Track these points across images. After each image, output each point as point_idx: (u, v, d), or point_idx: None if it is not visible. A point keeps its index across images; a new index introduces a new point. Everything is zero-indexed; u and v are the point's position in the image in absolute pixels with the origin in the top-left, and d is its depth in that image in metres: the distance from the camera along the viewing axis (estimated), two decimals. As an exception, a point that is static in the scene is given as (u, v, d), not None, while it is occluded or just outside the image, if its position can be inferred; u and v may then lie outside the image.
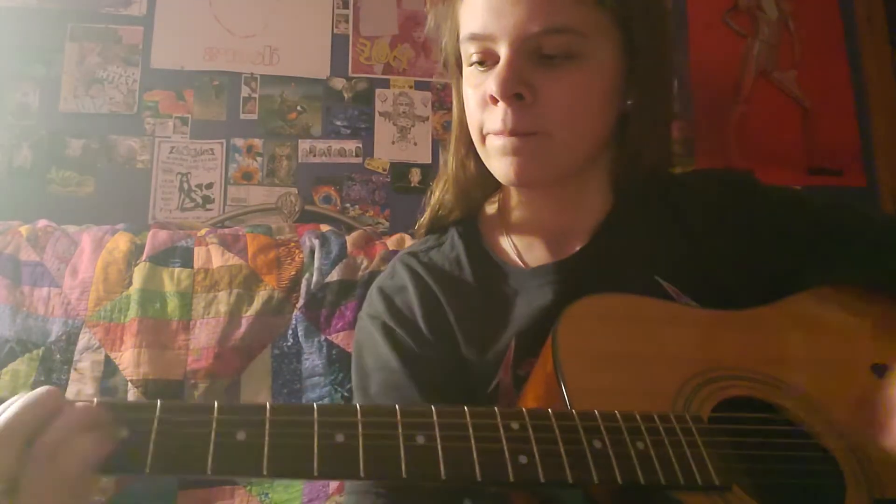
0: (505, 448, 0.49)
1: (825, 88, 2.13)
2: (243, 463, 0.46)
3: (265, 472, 0.45)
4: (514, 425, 0.51)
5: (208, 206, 1.84)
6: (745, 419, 0.58)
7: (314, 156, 1.93)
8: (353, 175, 1.94)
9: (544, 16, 0.66)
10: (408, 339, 0.75)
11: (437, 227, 0.86)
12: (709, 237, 0.76)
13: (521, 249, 0.79)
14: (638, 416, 0.54)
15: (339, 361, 1.28)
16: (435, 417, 0.50)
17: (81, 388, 1.21)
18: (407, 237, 1.50)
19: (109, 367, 1.24)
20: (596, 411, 0.53)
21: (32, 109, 1.82)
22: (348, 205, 1.92)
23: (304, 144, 1.93)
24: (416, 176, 1.96)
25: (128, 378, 1.23)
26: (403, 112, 1.99)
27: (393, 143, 1.97)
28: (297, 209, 1.83)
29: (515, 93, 0.67)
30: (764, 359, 0.64)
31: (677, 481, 0.51)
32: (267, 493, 1.19)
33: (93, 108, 1.85)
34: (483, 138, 0.72)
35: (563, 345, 0.60)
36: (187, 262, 1.35)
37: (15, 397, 0.45)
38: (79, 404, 0.45)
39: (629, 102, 0.73)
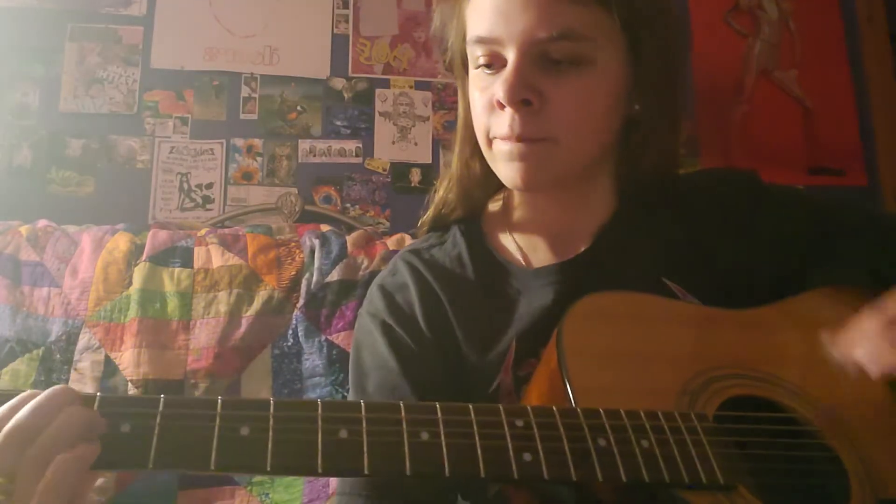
0: (509, 445, 0.49)
1: (826, 88, 2.13)
2: (247, 458, 0.46)
3: (269, 468, 0.45)
4: (519, 423, 0.51)
5: (208, 206, 1.84)
6: (750, 418, 0.58)
7: (314, 156, 1.93)
8: (353, 175, 1.93)
9: (552, 21, 0.65)
10: (407, 338, 0.74)
11: (440, 226, 0.86)
12: (714, 237, 0.76)
13: (524, 249, 0.79)
14: (643, 415, 0.53)
15: (339, 361, 1.28)
16: (439, 414, 0.50)
17: (81, 388, 1.21)
18: (407, 237, 1.50)
19: (109, 367, 1.24)
20: (601, 409, 0.53)
21: (32, 109, 1.82)
22: (348, 205, 1.91)
23: (304, 144, 1.93)
24: (416, 176, 1.96)
25: (128, 378, 1.22)
26: (404, 112, 1.99)
27: (393, 143, 1.97)
28: (297, 209, 1.83)
29: (523, 98, 0.66)
30: (768, 358, 0.64)
31: (682, 480, 0.51)
32: (267, 494, 1.19)
33: (93, 108, 1.84)
34: (489, 142, 0.72)
35: (568, 342, 0.59)
36: (187, 262, 1.35)
37: (28, 392, 0.46)
38: (75, 409, 0.45)
39: (636, 107, 0.73)
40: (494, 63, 0.69)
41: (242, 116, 1.91)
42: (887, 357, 0.57)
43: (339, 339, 1.30)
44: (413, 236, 1.50)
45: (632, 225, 0.77)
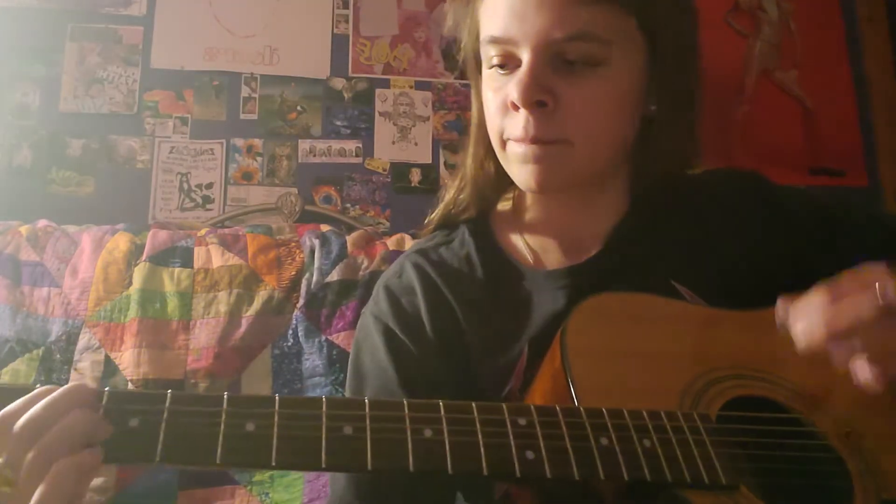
0: (512, 443, 0.49)
1: (827, 88, 2.13)
2: (252, 454, 0.46)
3: (274, 464, 0.46)
4: (522, 421, 0.51)
5: (208, 206, 1.84)
6: (754, 419, 0.58)
7: (314, 156, 1.93)
8: (353, 175, 1.93)
9: (568, 22, 0.64)
10: (410, 344, 0.73)
11: (448, 225, 0.84)
12: (723, 239, 0.76)
13: (534, 249, 0.78)
14: (645, 414, 0.54)
15: (339, 361, 1.28)
16: (443, 411, 0.50)
17: (81, 388, 1.21)
18: (407, 237, 1.50)
19: (109, 367, 1.24)
20: (603, 409, 0.53)
21: (32, 109, 1.82)
22: (349, 205, 1.91)
23: (304, 144, 1.93)
24: (416, 176, 1.96)
25: (128, 378, 1.22)
26: (404, 112, 1.99)
27: (393, 143, 1.97)
28: (297, 209, 1.82)
29: (537, 100, 0.65)
30: (772, 359, 0.64)
31: (684, 479, 0.51)
32: (267, 493, 1.19)
33: (93, 108, 1.84)
34: (503, 143, 0.71)
35: (572, 342, 0.59)
36: (187, 262, 1.35)
37: (45, 388, 0.47)
38: (81, 413, 0.46)
39: (653, 108, 0.72)
40: (508, 63, 0.68)
41: (242, 116, 1.91)
42: (817, 333, 0.55)
43: (339, 339, 1.30)
44: (413, 237, 1.50)
45: (643, 227, 0.76)
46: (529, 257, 0.77)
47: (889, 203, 2.05)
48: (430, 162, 1.97)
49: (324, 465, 0.46)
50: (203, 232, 1.43)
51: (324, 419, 0.48)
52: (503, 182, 0.77)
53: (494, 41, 0.68)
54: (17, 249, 1.33)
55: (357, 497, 0.68)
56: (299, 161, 1.92)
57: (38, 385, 0.48)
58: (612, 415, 0.53)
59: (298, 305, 1.32)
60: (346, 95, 1.97)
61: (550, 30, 0.64)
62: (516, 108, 0.66)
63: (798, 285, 0.72)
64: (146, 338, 1.25)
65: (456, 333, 0.73)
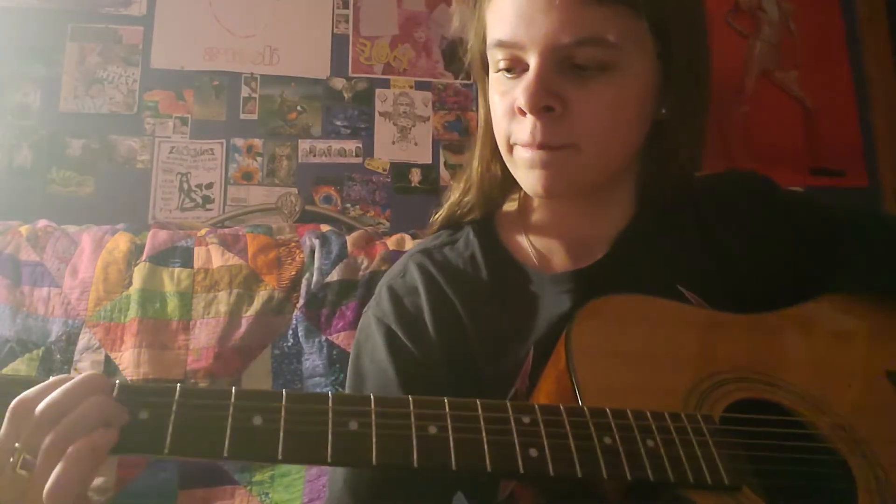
0: (516, 441, 0.50)
1: (827, 88, 2.13)
2: (259, 447, 0.47)
3: (280, 457, 0.46)
4: (526, 419, 0.51)
5: (208, 206, 1.84)
6: (757, 421, 0.58)
7: (314, 156, 1.93)
8: (353, 175, 1.93)
9: (576, 26, 0.62)
10: (412, 346, 0.72)
11: (452, 226, 0.83)
12: (731, 243, 0.75)
13: (540, 251, 0.77)
14: (649, 415, 0.54)
15: (339, 362, 1.28)
16: (447, 409, 0.51)
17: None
18: (407, 237, 1.50)
19: (109, 367, 1.24)
20: (607, 409, 0.53)
21: (32, 109, 1.82)
22: (349, 205, 1.91)
23: (304, 144, 1.93)
24: (416, 176, 1.96)
25: (128, 378, 1.22)
26: (404, 112, 1.99)
27: (393, 143, 1.97)
28: (297, 209, 1.82)
29: (545, 106, 0.64)
30: (776, 362, 0.64)
31: (687, 480, 0.51)
32: (267, 493, 1.19)
33: (93, 108, 1.85)
34: (510, 148, 0.70)
35: (577, 343, 0.60)
36: (187, 262, 1.35)
37: (60, 377, 0.48)
38: (100, 398, 0.47)
39: (663, 111, 0.71)
40: (515, 67, 0.66)
41: (242, 116, 1.91)
42: None
43: (339, 339, 1.30)
44: (414, 237, 1.50)
45: (650, 231, 0.76)
46: (534, 259, 0.77)
47: (889, 203, 2.05)
48: (430, 162, 1.97)
49: (329, 460, 0.47)
50: (203, 232, 1.43)
51: (330, 414, 0.48)
52: (509, 184, 0.77)
53: (501, 45, 0.66)
54: (17, 249, 1.33)
55: (354, 497, 0.68)
56: (299, 161, 1.92)
57: (36, 377, 0.49)
58: (616, 415, 0.53)
59: (298, 305, 1.32)
60: (346, 95, 1.97)
61: (558, 34, 0.62)
62: (523, 112, 0.65)
63: (803, 290, 0.72)
64: (146, 338, 1.25)
65: (459, 335, 0.73)
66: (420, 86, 2.01)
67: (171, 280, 1.32)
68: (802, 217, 0.78)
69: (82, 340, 1.26)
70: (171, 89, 1.89)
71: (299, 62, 1.96)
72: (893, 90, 2.14)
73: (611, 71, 0.64)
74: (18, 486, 0.45)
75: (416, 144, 1.97)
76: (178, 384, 0.49)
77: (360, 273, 1.36)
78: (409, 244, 1.45)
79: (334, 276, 1.35)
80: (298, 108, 1.94)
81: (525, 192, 0.77)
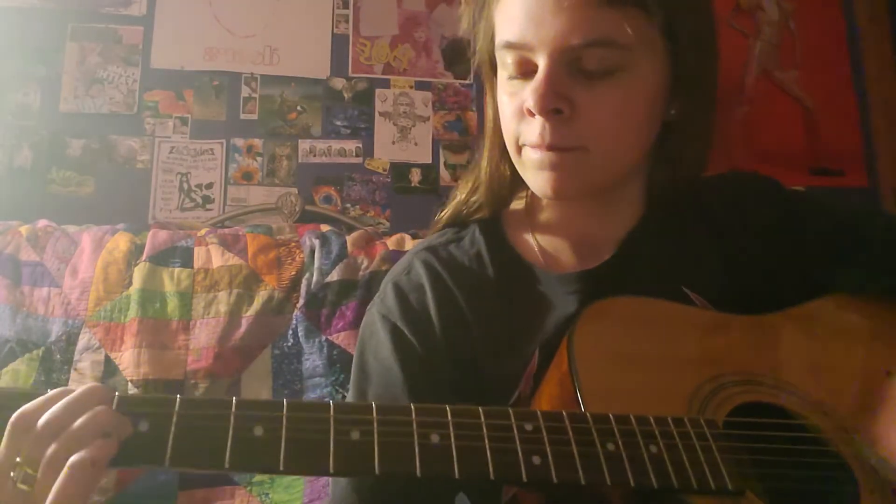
0: (518, 448, 0.50)
1: (827, 88, 2.13)
2: (260, 458, 0.47)
3: (282, 468, 0.46)
4: (528, 426, 0.51)
5: (208, 206, 1.84)
6: (760, 425, 0.57)
7: (314, 156, 1.93)
8: (353, 175, 1.93)
9: (586, 28, 0.61)
10: (417, 343, 0.72)
11: (458, 224, 0.83)
12: (738, 245, 0.75)
13: (546, 250, 0.77)
14: (652, 420, 0.54)
15: (339, 362, 1.27)
16: (450, 416, 0.50)
17: (81, 388, 1.20)
18: (407, 237, 1.50)
19: (109, 367, 1.24)
20: (610, 414, 0.53)
21: (32, 109, 1.82)
22: (349, 205, 1.91)
23: (304, 144, 1.93)
24: (416, 176, 1.96)
25: (128, 378, 1.22)
26: (404, 112, 1.99)
27: (393, 143, 1.97)
28: (297, 209, 1.82)
29: (553, 108, 0.64)
30: (779, 364, 0.64)
31: (690, 486, 0.51)
32: (267, 494, 1.19)
33: (93, 108, 1.84)
34: (519, 149, 0.70)
35: (579, 346, 0.59)
36: (187, 262, 1.35)
37: (61, 389, 0.48)
38: (103, 410, 0.47)
39: (672, 112, 0.70)
40: (524, 68, 0.66)
41: (242, 116, 1.91)
42: None
43: (339, 339, 1.30)
44: (414, 237, 1.50)
45: (657, 232, 0.75)
46: (541, 258, 0.76)
47: (888, 203, 2.05)
48: (430, 162, 1.97)
49: (332, 470, 0.47)
50: (203, 232, 1.43)
51: (332, 423, 0.48)
52: (517, 184, 0.77)
53: (510, 46, 0.66)
54: (17, 249, 1.33)
55: (358, 496, 0.68)
56: (299, 161, 1.92)
57: (37, 386, 0.48)
58: (619, 420, 0.53)
59: (298, 305, 1.32)
60: (346, 95, 1.97)
61: (568, 36, 0.62)
62: (532, 114, 0.65)
63: (808, 291, 0.72)
64: (146, 338, 1.25)
65: (464, 332, 0.72)
66: (420, 86, 2.01)
67: (171, 280, 1.32)
68: (807, 218, 0.78)
69: (82, 340, 1.26)
70: (171, 89, 1.89)
71: (299, 62, 1.96)
72: (893, 90, 2.14)
73: (620, 73, 0.64)
74: (19, 500, 0.45)
75: (416, 144, 1.97)
76: (178, 396, 0.48)
77: (361, 273, 1.36)
78: (409, 244, 1.45)
79: (334, 276, 1.35)
80: (298, 108, 1.94)
81: (533, 192, 0.77)
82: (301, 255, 1.39)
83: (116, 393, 0.48)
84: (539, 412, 0.52)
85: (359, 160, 1.94)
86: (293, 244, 1.41)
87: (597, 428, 0.52)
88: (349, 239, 1.43)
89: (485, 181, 0.80)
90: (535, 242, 0.78)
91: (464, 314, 0.73)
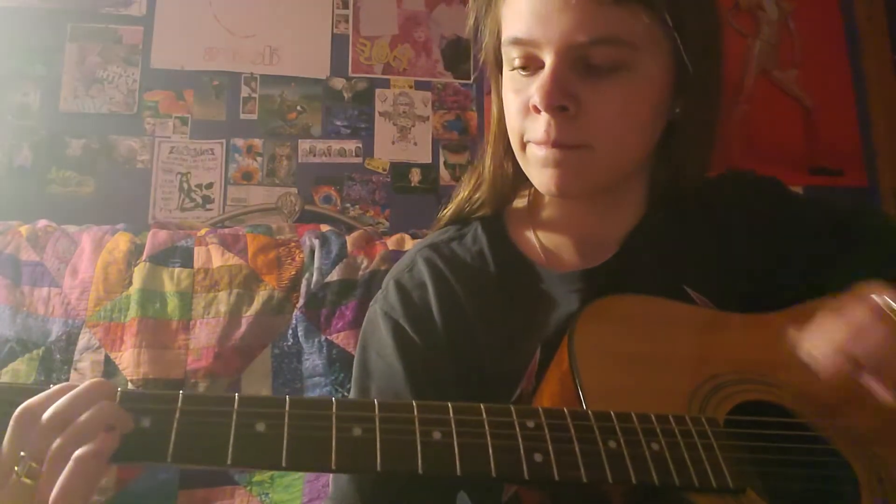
0: (520, 445, 0.50)
1: (826, 88, 2.13)
2: (262, 454, 0.47)
3: (284, 464, 0.46)
4: (530, 423, 0.51)
5: (208, 206, 1.84)
6: (761, 423, 0.58)
7: (314, 156, 1.93)
8: (353, 175, 1.93)
9: (593, 25, 0.61)
10: (419, 341, 0.72)
11: (460, 221, 0.83)
12: (739, 245, 0.75)
13: (549, 249, 0.77)
14: (653, 418, 0.54)
15: (339, 361, 1.28)
16: (451, 414, 0.51)
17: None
18: (407, 237, 1.50)
19: (109, 367, 1.24)
20: (611, 412, 0.53)
21: (32, 109, 1.82)
22: (348, 205, 1.91)
23: (304, 144, 1.93)
24: (416, 176, 1.96)
25: (128, 378, 1.22)
26: (403, 112, 1.99)
27: (393, 143, 1.97)
28: (297, 209, 1.83)
29: (559, 105, 0.63)
30: (780, 363, 0.64)
31: (692, 484, 0.51)
32: (267, 493, 1.19)
33: (93, 108, 1.85)
34: (523, 145, 0.70)
35: (580, 344, 0.60)
36: (187, 262, 1.35)
37: (64, 385, 0.48)
38: (107, 404, 0.47)
39: (676, 111, 0.70)
40: (530, 65, 0.66)
41: (242, 116, 1.91)
42: (838, 362, 0.58)
43: (339, 338, 1.30)
44: (414, 236, 1.50)
45: (659, 231, 0.76)
46: (543, 256, 0.76)
47: (887, 202, 2.05)
48: (429, 162, 1.97)
49: (334, 467, 0.47)
50: (203, 232, 1.44)
51: (333, 420, 0.48)
52: (521, 182, 0.77)
53: (517, 43, 0.66)
54: (17, 249, 1.33)
55: (360, 492, 0.68)
56: (299, 161, 1.92)
57: (38, 385, 0.48)
58: (621, 418, 0.53)
59: (298, 305, 1.33)
60: (345, 95, 1.97)
61: (575, 33, 0.62)
62: (538, 110, 0.65)
63: (810, 293, 0.72)
64: (146, 338, 1.25)
65: (466, 329, 0.73)
66: (420, 85, 2.01)
67: (171, 280, 1.32)
68: (809, 218, 0.78)
69: (82, 340, 1.26)
70: (171, 89, 1.89)
71: (299, 62, 1.97)
72: (892, 89, 2.15)
73: (626, 71, 0.64)
74: (24, 494, 0.45)
75: (415, 144, 1.97)
76: (181, 392, 0.48)
77: (360, 273, 1.37)
78: (409, 244, 1.45)
79: (334, 275, 1.35)
80: (298, 108, 1.94)
81: (535, 189, 0.77)
82: (301, 255, 1.39)
83: (119, 389, 0.49)
84: (541, 409, 0.52)
85: (359, 160, 1.94)
86: (293, 244, 1.41)
87: (598, 426, 0.52)
88: (349, 239, 1.43)
89: (488, 178, 0.79)
90: (537, 240, 0.78)
91: (466, 311, 0.73)
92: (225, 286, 1.32)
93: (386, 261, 1.38)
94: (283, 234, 1.46)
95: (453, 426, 0.50)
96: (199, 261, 1.35)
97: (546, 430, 0.51)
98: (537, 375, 0.68)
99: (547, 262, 0.76)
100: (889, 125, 2.12)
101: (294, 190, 1.88)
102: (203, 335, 1.27)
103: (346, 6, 2.01)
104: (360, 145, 1.95)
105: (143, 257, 1.34)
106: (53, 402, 0.46)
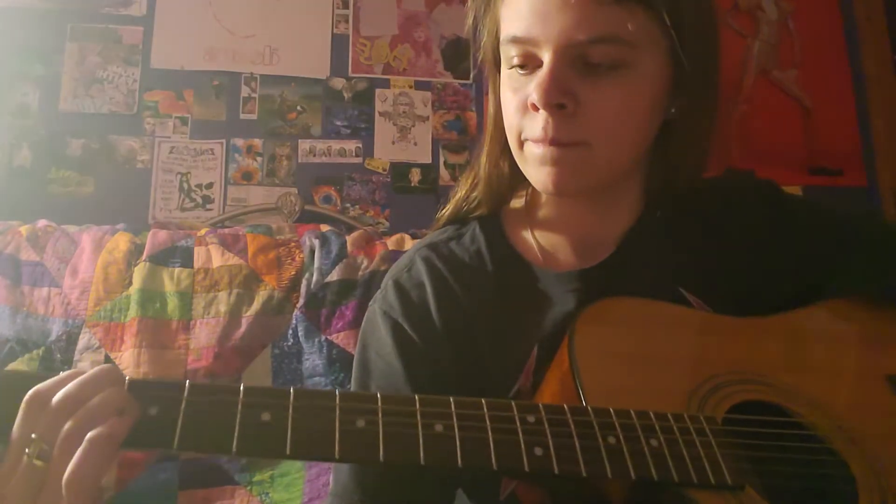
0: (521, 439, 0.50)
1: (825, 88, 2.13)
2: (267, 443, 0.47)
3: (288, 453, 0.47)
4: (531, 418, 0.52)
5: (208, 206, 1.85)
6: (759, 422, 0.58)
7: (314, 156, 1.93)
8: (353, 175, 1.94)
9: (591, 23, 0.62)
10: (418, 340, 0.73)
11: (458, 221, 0.83)
12: (736, 247, 0.75)
13: (546, 248, 0.77)
14: (652, 415, 0.54)
15: (339, 361, 1.28)
16: (453, 407, 0.51)
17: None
18: (407, 237, 1.50)
19: (109, 367, 1.24)
20: (611, 409, 0.54)
21: (32, 109, 1.82)
22: (348, 205, 1.92)
23: (304, 144, 1.93)
24: (416, 176, 1.96)
25: (128, 378, 1.22)
26: (403, 112, 1.99)
27: (393, 143, 1.97)
28: (297, 209, 1.83)
29: (557, 102, 0.64)
30: (778, 365, 0.64)
31: (690, 479, 0.51)
32: (267, 493, 1.19)
33: (93, 108, 1.85)
34: (521, 144, 0.70)
35: (580, 344, 0.60)
36: (187, 262, 1.35)
37: (73, 371, 0.49)
38: (115, 390, 0.48)
39: (673, 110, 0.71)
40: (529, 63, 0.66)
41: (242, 116, 1.92)
42: None
43: (339, 338, 1.30)
44: (413, 236, 1.51)
45: (655, 232, 0.76)
46: (539, 256, 0.77)
47: (886, 203, 2.05)
48: (429, 162, 1.97)
49: (337, 457, 0.47)
50: (203, 232, 1.44)
51: (337, 412, 0.49)
52: (517, 181, 0.77)
53: (515, 41, 0.66)
54: (17, 249, 1.33)
55: (361, 487, 0.69)
56: (299, 161, 1.92)
57: (46, 374, 0.49)
58: (619, 415, 0.53)
59: (298, 305, 1.33)
60: (345, 95, 1.98)
61: (573, 31, 0.62)
62: (536, 108, 0.65)
63: (805, 294, 0.72)
64: (146, 338, 1.26)
65: (465, 328, 0.73)
66: (420, 85, 2.01)
67: (171, 280, 1.32)
68: (806, 222, 0.78)
69: (82, 340, 1.26)
70: (171, 89, 1.89)
71: (299, 62, 1.97)
72: (892, 90, 2.15)
73: (624, 69, 0.64)
74: (35, 476, 0.45)
75: (415, 144, 1.98)
76: (188, 381, 0.49)
77: (360, 273, 1.37)
78: (409, 244, 1.45)
79: (334, 275, 1.35)
80: (298, 108, 1.94)
81: (532, 189, 0.78)
82: (301, 255, 1.39)
83: (127, 377, 0.49)
84: (541, 405, 0.53)
85: (358, 160, 1.94)
86: (293, 244, 1.42)
87: (598, 421, 0.52)
88: (349, 239, 1.43)
89: (484, 178, 0.80)
90: (534, 240, 0.78)
91: (464, 311, 0.74)
92: (225, 286, 1.32)
93: (386, 261, 1.38)
94: (283, 234, 1.46)
95: (455, 419, 0.50)
96: (199, 261, 1.35)
97: (546, 425, 0.52)
98: (534, 373, 0.69)
99: (543, 261, 0.76)
100: (889, 125, 2.12)
101: (294, 190, 1.88)
102: (203, 335, 1.28)
103: (346, 6, 2.02)
104: (360, 145, 1.95)
105: (143, 257, 1.34)
106: (63, 387, 0.47)
